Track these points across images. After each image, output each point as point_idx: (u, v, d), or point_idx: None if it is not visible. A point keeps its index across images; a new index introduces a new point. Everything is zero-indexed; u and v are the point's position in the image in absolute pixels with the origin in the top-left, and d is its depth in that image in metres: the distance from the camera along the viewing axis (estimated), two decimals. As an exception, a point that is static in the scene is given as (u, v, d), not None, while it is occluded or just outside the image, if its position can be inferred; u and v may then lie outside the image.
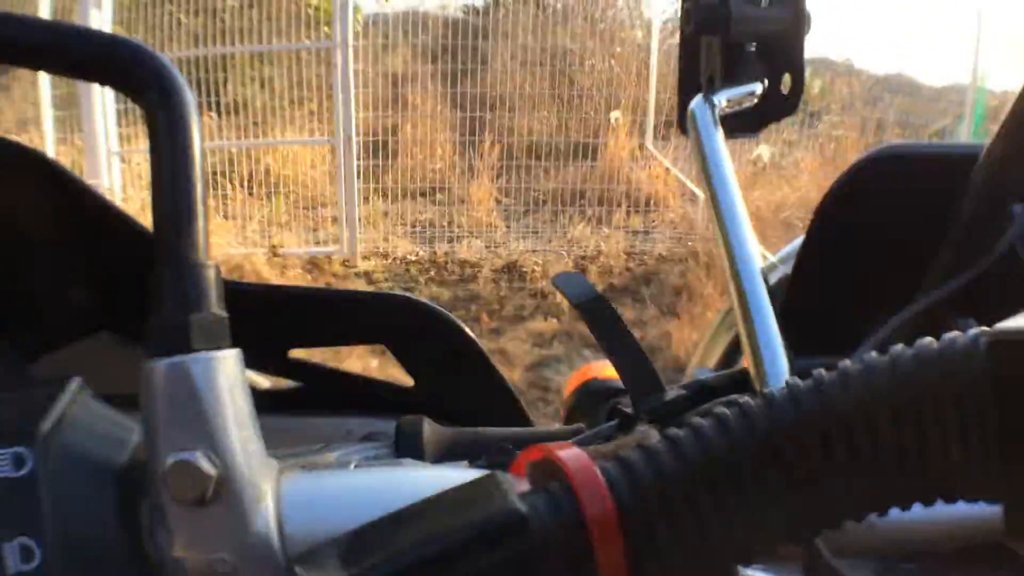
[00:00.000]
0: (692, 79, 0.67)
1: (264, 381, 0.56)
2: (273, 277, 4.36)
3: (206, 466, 0.28)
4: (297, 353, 0.51)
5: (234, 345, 0.31)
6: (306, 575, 0.26)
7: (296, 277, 4.52)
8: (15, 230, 0.43)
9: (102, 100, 4.57)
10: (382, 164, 5.21)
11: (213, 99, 4.96)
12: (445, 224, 5.18)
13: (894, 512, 0.24)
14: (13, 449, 0.27)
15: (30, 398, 0.29)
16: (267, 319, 0.45)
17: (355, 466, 0.39)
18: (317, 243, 5.04)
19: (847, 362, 0.24)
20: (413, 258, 4.91)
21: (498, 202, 5.39)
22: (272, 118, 5.30)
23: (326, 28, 5.20)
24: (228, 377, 0.29)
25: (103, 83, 0.32)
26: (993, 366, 0.22)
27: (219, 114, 5.06)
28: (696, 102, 0.52)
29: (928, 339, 0.23)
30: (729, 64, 0.61)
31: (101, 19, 4.38)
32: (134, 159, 4.92)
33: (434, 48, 5.43)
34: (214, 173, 4.90)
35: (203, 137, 0.32)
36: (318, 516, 0.30)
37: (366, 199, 5.13)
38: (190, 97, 0.31)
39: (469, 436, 0.44)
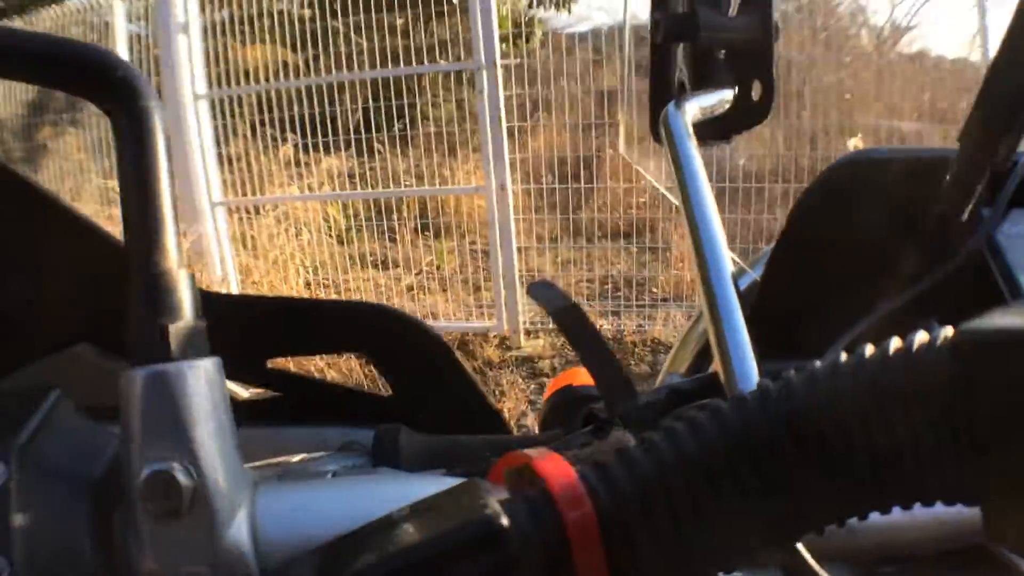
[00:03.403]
0: (664, 87, 0.68)
1: (242, 391, 0.55)
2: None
3: (182, 478, 0.28)
4: (275, 363, 0.51)
5: (212, 354, 0.31)
6: None
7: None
8: None
9: (199, 141, 4.06)
10: (582, 193, 4.05)
11: (388, 132, 4.07)
12: (641, 283, 4.02)
13: (874, 515, 0.24)
14: None
15: (9, 407, 0.29)
16: (245, 329, 0.45)
17: (332, 476, 0.39)
18: (475, 313, 4.09)
19: (815, 363, 0.24)
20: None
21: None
22: (458, 150, 4.26)
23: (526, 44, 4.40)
24: (207, 386, 0.29)
25: (67, 90, 0.32)
26: (959, 365, 0.22)
27: (396, 145, 4.21)
28: (668, 109, 0.52)
29: (893, 339, 0.24)
30: (699, 72, 0.62)
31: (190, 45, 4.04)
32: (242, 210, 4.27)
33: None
34: (379, 210, 4.22)
35: (171, 148, 0.31)
36: (294, 528, 0.30)
37: (553, 240, 4.14)
38: (157, 104, 0.31)
39: (447, 444, 0.44)
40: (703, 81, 0.62)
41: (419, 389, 0.51)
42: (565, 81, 4.04)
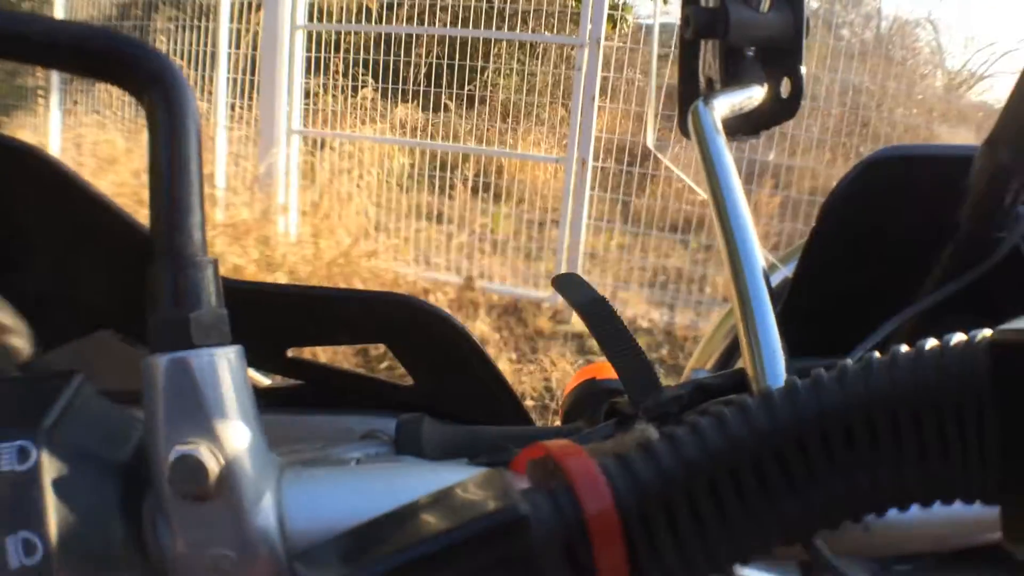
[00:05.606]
0: (692, 83, 0.68)
1: (264, 379, 0.56)
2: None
3: (209, 460, 0.28)
4: (296, 352, 0.51)
5: (234, 342, 0.31)
6: (306, 572, 0.26)
7: (480, 331, 3.40)
8: (15, 228, 0.43)
9: (287, 66, 4.10)
10: (637, 181, 4.04)
11: (457, 90, 4.21)
12: (695, 279, 3.98)
13: (892, 512, 0.24)
14: (17, 442, 0.27)
15: (34, 391, 0.29)
16: (266, 317, 0.45)
17: (356, 464, 0.39)
18: (530, 281, 4.05)
19: (846, 361, 0.24)
20: (644, 324, 3.82)
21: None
22: (522, 120, 4.39)
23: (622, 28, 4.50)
24: (230, 373, 0.30)
25: (103, 79, 0.32)
26: (993, 367, 0.21)
27: (463, 105, 4.33)
28: (697, 105, 0.52)
29: (928, 339, 0.23)
30: (728, 68, 0.62)
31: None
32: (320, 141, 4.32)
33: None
34: (442, 165, 4.29)
35: (201, 136, 0.32)
36: (319, 513, 0.30)
37: (609, 221, 4.09)
38: (190, 95, 0.31)
39: (469, 434, 0.44)
40: (732, 78, 0.61)
41: (442, 379, 0.51)
42: (636, 70, 4.05)
